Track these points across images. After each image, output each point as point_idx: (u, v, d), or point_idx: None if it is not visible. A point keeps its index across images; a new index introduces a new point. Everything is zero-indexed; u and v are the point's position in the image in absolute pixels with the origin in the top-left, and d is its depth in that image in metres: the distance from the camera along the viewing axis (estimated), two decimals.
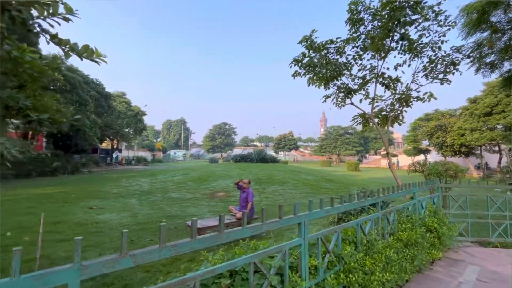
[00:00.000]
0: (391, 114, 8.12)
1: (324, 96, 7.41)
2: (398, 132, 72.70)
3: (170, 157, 72.65)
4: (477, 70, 10.43)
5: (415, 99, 7.55)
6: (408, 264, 3.40)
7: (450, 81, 7.46)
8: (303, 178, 15.58)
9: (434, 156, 38.07)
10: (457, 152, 28.93)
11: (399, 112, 8.10)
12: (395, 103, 7.97)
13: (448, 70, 7.39)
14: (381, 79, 7.16)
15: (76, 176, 19.92)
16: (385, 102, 8.27)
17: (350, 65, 7.39)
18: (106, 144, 41.76)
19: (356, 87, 7.68)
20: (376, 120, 8.63)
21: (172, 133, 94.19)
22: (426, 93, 7.43)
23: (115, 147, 40.24)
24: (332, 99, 7.56)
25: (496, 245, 5.22)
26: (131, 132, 40.46)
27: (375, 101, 7.18)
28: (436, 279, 3.73)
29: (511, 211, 5.28)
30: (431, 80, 7.60)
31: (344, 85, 7.57)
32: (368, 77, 7.54)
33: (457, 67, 7.45)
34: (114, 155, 39.22)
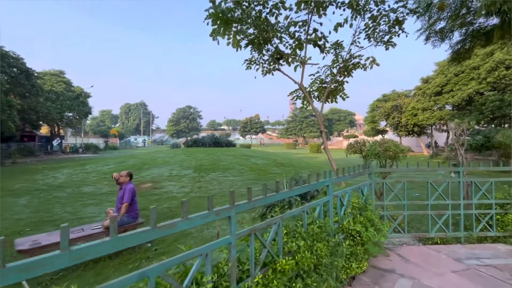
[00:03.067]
0: (332, 86, 6.84)
1: (246, 60, 5.80)
2: (360, 114, 75.20)
3: (129, 144, 67.64)
4: (427, 38, 9.53)
5: (358, 66, 6.31)
6: None
7: (395, 44, 6.28)
8: (252, 163, 14.25)
9: (390, 136, 39.52)
10: (411, 132, 29.88)
11: (338, 84, 6.85)
12: (334, 72, 6.66)
13: (392, 30, 6.16)
14: (314, 38, 5.69)
15: None
16: (325, 72, 6.93)
17: (279, 26, 5.81)
18: (47, 131, 36.75)
19: (289, 51, 6.17)
20: (316, 94, 7.33)
21: (131, 118, 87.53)
22: (368, 58, 6.18)
23: (56, 133, 35.53)
24: (256, 64, 5.98)
25: (436, 241, 4.24)
26: (76, 117, 35.86)
27: (307, 65, 5.74)
28: None
29: (453, 199, 4.29)
30: (375, 43, 6.37)
31: (274, 47, 6.00)
32: (302, 37, 6.05)
33: (402, 27, 6.24)
34: (54, 143, 34.59)
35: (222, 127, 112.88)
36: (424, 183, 4.36)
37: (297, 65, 5.99)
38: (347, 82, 6.76)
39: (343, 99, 7.31)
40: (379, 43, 6.44)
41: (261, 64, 5.97)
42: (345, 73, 6.55)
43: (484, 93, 20.32)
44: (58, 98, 31.62)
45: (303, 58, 5.48)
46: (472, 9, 7.77)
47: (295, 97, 7.31)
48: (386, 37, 6.38)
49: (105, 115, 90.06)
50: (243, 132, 74.25)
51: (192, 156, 15.29)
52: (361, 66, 6.19)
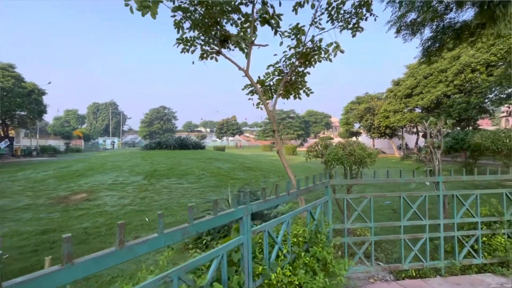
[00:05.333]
0: (291, 77, 5.76)
1: (177, 40, 4.52)
2: (336, 116, 76.43)
3: (97, 146, 63.19)
4: (398, 31, 8.82)
5: (319, 53, 5.29)
6: None
7: (362, 29, 5.34)
8: (216, 167, 12.92)
9: (364, 138, 40.00)
10: (383, 134, 30.13)
11: (298, 75, 5.79)
12: (294, 60, 5.58)
13: (359, 11, 5.20)
14: (262, 10, 4.54)
15: None
16: (284, 62, 5.84)
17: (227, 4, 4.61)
18: None
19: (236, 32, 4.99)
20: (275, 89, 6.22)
21: (100, 118, 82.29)
22: (330, 44, 5.16)
23: (4, 134, 31.74)
24: (193, 45, 4.72)
25: (411, 274, 3.22)
26: (29, 116, 32.25)
27: (263, 54, 4.61)
28: None
29: (432, 218, 3.31)
30: (341, 26, 5.39)
31: (221, 29, 4.77)
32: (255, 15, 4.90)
33: (370, 8, 5.30)
34: (2, 145, 30.84)
35: (199, 129, 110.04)
36: (396, 197, 3.34)
37: (246, 48, 4.81)
38: (308, 73, 5.68)
39: (307, 94, 6.29)
40: (345, 27, 5.45)
41: (200, 46, 4.71)
42: (306, 62, 5.47)
43: (452, 95, 20.65)
44: (6, 95, 28.13)
45: (251, 39, 4.30)
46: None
47: (251, 92, 6.16)
48: (353, 21, 5.41)
49: (70, 115, 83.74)
50: (219, 134, 72.51)
51: (149, 160, 13.64)
52: (323, 52, 5.12)
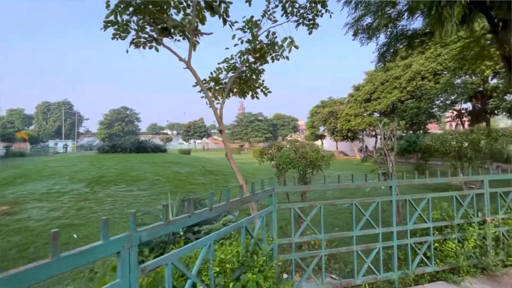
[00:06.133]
0: (245, 74, 5.34)
1: (105, 22, 3.81)
2: (303, 119, 78.60)
3: (47, 149, 56.87)
4: (355, 34, 8.97)
5: (273, 48, 4.94)
6: None
7: (318, 25, 5.12)
8: (174, 171, 12.02)
9: (328, 141, 41.46)
10: (345, 137, 31.38)
11: (252, 72, 5.39)
12: (248, 56, 5.16)
13: (313, 5, 4.96)
14: None
15: None
16: (239, 58, 5.39)
17: None
18: None
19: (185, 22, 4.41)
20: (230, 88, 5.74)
21: (51, 119, 74.61)
22: (285, 39, 4.84)
23: None
24: (127, 31, 4.03)
25: None
26: None
27: (196, 37, 4.09)
28: None
29: (386, 225, 3.06)
30: (296, 22, 5.11)
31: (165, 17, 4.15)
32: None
33: (326, 4, 5.08)
34: None
35: (165, 131, 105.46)
36: (343, 210, 3.02)
37: (194, 39, 4.26)
38: (263, 70, 5.29)
39: (265, 94, 5.90)
40: (301, 23, 5.17)
41: (137, 32, 4.04)
42: (261, 58, 5.07)
43: (405, 101, 22.11)
44: None
45: (193, 26, 3.76)
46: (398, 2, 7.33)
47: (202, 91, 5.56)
48: (309, 17, 5.15)
49: (14, 115, 74.60)
50: (185, 137, 70.14)
51: (98, 165, 12.24)
52: (277, 47, 4.76)
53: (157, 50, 4.44)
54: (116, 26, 3.94)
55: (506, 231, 3.50)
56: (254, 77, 5.52)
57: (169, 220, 1.41)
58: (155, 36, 4.04)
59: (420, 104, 20.28)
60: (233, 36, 5.07)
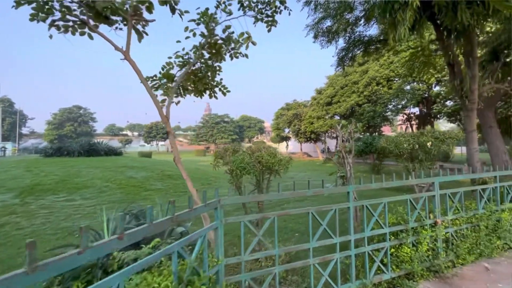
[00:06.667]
0: (200, 71, 4.91)
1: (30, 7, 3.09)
2: (269, 121, 79.60)
3: None
4: (315, 36, 9.06)
5: (229, 43, 4.60)
6: None
7: (277, 22, 4.91)
8: (128, 176, 10.99)
9: (293, 143, 42.40)
10: (309, 138, 32.31)
11: (208, 68, 4.99)
12: (201, 52, 4.74)
13: (271, 1, 4.74)
14: None
15: None
16: (195, 53, 4.93)
17: None
18: None
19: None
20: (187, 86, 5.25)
21: None
22: (242, 34, 4.53)
23: None
24: (52, 13, 3.35)
25: None
26: None
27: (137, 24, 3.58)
28: None
29: (343, 234, 2.89)
30: (253, 17, 4.83)
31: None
32: None
33: (284, 1, 4.89)
34: None
35: (124, 132, 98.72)
36: (303, 215, 2.77)
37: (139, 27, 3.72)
38: (219, 67, 4.92)
39: (224, 93, 5.52)
40: (260, 19, 4.90)
41: (62, 14, 3.36)
42: (217, 54, 4.68)
43: (362, 105, 23.44)
44: None
45: (131, 11, 3.23)
46: (355, 5, 7.52)
47: (153, 87, 5.05)
48: (268, 13, 4.91)
49: None
50: (147, 138, 66.42)
51: (35, 171, 10.66)
52: (233, 43, 4.41)
53: (90, 37, 3.78)
54: (34, 5, 3.23)
55: (455, 231, 3.59)
56: (209, 74, 5.12)
57: (87, 247, 0.96)
58: (86, 20, 3.40)
59: (375, 108, 21.63)
60: (186, 28, 4.61)
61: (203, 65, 5.04)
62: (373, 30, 9.54)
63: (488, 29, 8.59)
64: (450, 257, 3.38)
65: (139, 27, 4.28)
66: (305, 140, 33.15)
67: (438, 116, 20.14)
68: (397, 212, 3.33)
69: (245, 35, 4.56)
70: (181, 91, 5.51)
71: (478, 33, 6.47)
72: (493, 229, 3.87)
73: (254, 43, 4.49)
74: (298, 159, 32.09)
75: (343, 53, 10.22)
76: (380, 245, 3.07)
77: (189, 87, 5.43)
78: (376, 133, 24.12)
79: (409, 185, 6.83)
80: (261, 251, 2.50)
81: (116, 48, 3.39)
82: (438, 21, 5.10)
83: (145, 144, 70.42)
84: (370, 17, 7.43)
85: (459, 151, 25.11)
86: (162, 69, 4.95)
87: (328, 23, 8.09)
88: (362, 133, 24.48)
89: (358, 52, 10.50)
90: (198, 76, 5.08)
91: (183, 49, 4.68)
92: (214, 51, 4.77)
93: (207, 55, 4.93)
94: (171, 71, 5.09)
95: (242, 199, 2.41)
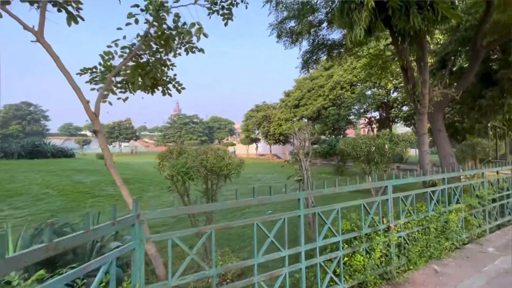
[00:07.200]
0: (147, 63, 4.40)
1: None
2: (239, 123, 79.17)
3: None
4: (279, 36, 8.91)
5: (180, 33, 4.18)
6: None
7: (232, 14, 4.60)
8: (75, 181, 9.84)
9: (263, 145, 42.51)
10: (277, 140, 32.57)
11: (159, 63, 4.52)
12: (143, 42, 4.24)
13: None
14: None
15: None
16: (143, 43, 4.39)
17: None
18: None
19: None
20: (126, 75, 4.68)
21: None
22: (192, 24, 4.13)
23: None
24: None
25: None
26: None
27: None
28: None
29: (293, 245, 2.62)
30: (210, 8, 4.50)
31: None
32: None
33: None
34: None
35: (83, 132, 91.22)
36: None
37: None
38: (169, 60, 4.48)
39: (178, 90, 5.08)
40: (215, 11, 4.57)
41: None
42: (165, 46, 4.23)
43: (328, 108, 24.18)
44: None
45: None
46: (317, 8, 7.51)
47: (93, 80, 4.44)
48: (224, 4, 4.59)
49: None
50: (109, 139, 61.99)
51: None
52: (182, 34, 3.98)
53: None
54: None
55: (407, 235, 3.54)
56: (158, 68, 4.63)
57: None
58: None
59: (340, 111, 22.42)
60: (130, 14, 4.08)
61: (151, 58, 4.55)
62: (336, 34, 9.69)
63: (437, 41, 9.19)
64: (403, 261, 3.31)
65: (72, 10, 3.69)
66: (274, 142, 33.35)
67: (396, 120, 21.52)
68: (351, 218, 3.18)
69: (196, 26, 4.17)
70: (128, 85, 4.94)
71: (429, 40, 6.82)
72: (442, 231, 3.93)
73: (206, 35, 4.11)
74: (268, 161, 32.18)
75: (307, 55, 10.27)
76: (333, 254, 2.86)
77: (138, 82, 4.87)
78: (341, 136, 25.04)
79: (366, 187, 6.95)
80: (193, 273, 2.11)
81: (26, 27, 2.77)
82: (394, 27, 5.17)
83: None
84: (332, 20, 7.46)
85: (413, 153, 27.12)
86: (102, 58, 4.36)
87: (291, 23, 7.99)
88: (328, 136, 25.26)
89: (323, 56, 10.64)
90: (145, 70, 4.56)
91: (124, 37, 4.14)
92: (162, 41, 4.30)
93: (155, 47, 4.46)
94: (113, 63, 4.51)
95: (168, 212, 2.01)
